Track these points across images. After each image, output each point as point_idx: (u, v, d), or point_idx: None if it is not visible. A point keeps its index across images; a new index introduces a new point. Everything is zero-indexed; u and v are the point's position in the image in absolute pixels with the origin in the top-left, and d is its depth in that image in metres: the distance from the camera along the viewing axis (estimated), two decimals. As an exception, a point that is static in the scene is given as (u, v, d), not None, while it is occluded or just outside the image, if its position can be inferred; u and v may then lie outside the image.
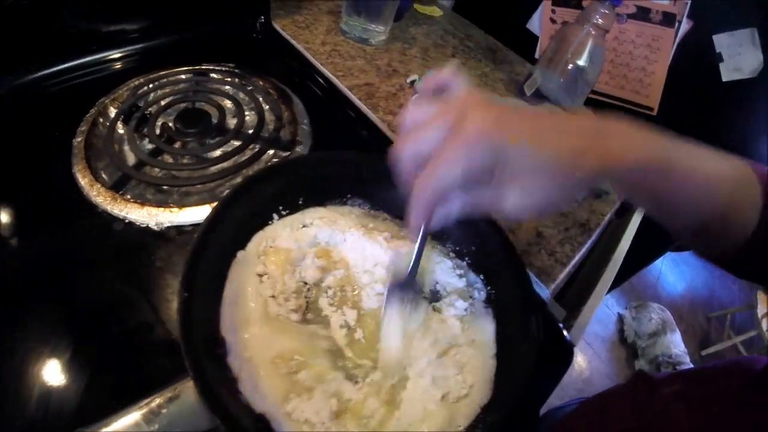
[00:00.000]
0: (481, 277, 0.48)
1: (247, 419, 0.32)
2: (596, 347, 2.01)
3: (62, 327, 0.41)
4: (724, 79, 0.93)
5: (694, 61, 0.95)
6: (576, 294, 0.68)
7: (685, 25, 0.94)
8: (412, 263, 0.40)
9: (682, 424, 0.40)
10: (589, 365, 1.94)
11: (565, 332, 0.55)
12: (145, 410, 0.31)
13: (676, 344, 1.93)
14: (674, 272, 2.54)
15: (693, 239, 0.44)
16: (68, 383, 0.38)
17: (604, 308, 2.19)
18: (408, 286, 0.41)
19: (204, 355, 0.33)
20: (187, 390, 0.31)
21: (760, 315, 2.04)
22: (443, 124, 0.29)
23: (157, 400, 0.31)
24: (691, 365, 1.87)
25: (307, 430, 0.33)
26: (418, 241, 0.38)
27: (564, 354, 0.54)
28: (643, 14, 0.96)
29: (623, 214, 0.81)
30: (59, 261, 0.47)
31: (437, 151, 0.29)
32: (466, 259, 0.49)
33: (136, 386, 0.34)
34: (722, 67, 0.93)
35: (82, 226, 0.50)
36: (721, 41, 0.94)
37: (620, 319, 2.15)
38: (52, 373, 0.38)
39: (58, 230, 0.49)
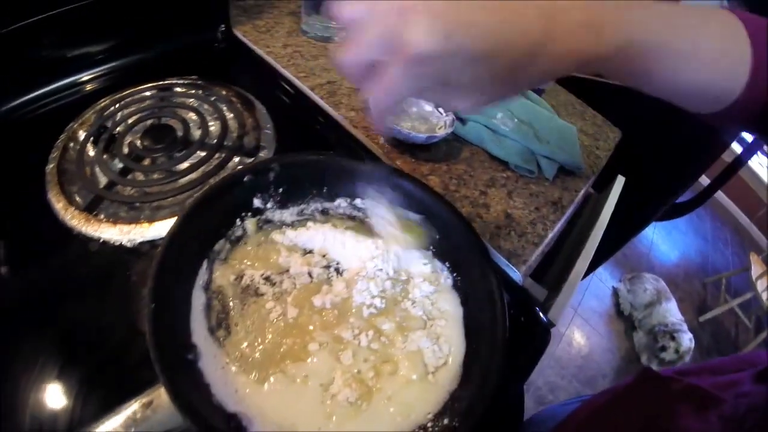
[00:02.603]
0: (447, 264, 0.50)
1: (219, 420, 0.34)
2: (593, 322, 2.03)
3: (46, 347, 0.43)
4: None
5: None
6: (558, 272, 0.69)
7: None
8: None
9: (689, 423, 0.40)
10: (588, 341, 1.96)
11: (540, 314, 0.56)
12: (123, 418, 0.32)
13: (672, 313, 1.95)
14: (666, 241, 2.56)
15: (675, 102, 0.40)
16: (57, 400, 0.39)
17: (598, 282, 2.21)
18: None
19: (175, 361, 0.34)
20: (161, 395, 0.33)
21: (754, 276, 2.07)
22: (384, 30, 0.27)
23: (134, 406, 0.33)
24: (689, 333, 1.89)
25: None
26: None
27: (541, 334, 0.55)
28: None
29: (603, 188, 0.82)
30: (39, 283, 0.48)
31: (382, 68, 0.28)
32: (431, 248, 0.50)
33: (122, 398, 0.34)
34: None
35: (59, 249, 0.51)
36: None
37: (615, 292, 2.17)
38: (42, 391, 0.40)
39: (36, 255, 0.50)
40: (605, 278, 2.23)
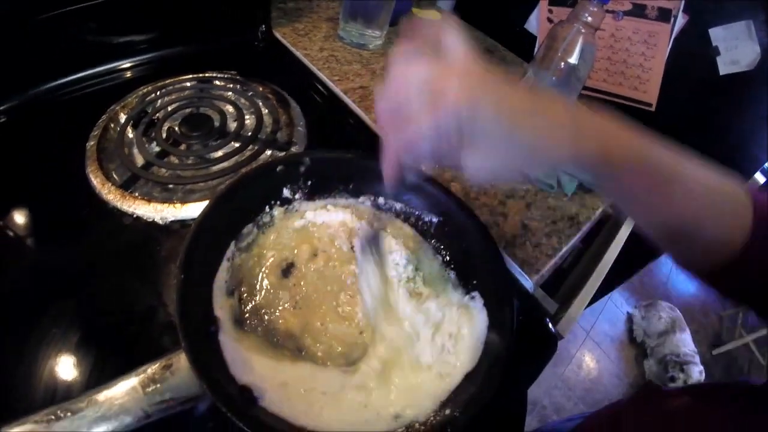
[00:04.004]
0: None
1: (232, 388, 0.36)
2: (605, 347, 2.00)
3: (73, 312, 0.45)
4: (722, 72, 0.93)
5: (691, 56, 0.95)
6: (570, 288, 0.70)
7: (680, 20, 0.95)
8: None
9: None
10: (597, 365, 1.93)
11: (549, 324, 0.57)
12: (141, 376, 0.34)
13: (685, 343, 1.91)
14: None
15: (664, 243, 0.42)
16: (77, 364, 0.42)
17: (613, 307, 2.17)
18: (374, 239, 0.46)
19: (197, 330, 0.37)
20: (180, 360, 0.35)
21: (773, 313, 2.01)
22: (426, 88, 0.30)
23: (152, 368, 0.35)
24: (700, 365, 1.84)
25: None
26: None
27: (547, 343, 0.56)
28: (638, 11, 0.97)
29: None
30: (74, 252, 0.51)
31: (413, 115, 0.30)
32: (448, 257, 0.53)
33: (140, 363, 0.36)
34: (719, 60, 0.94)
35: (95, 221, 0.54)
36: (717, 35, 0.95)
37: (629, 318, 2.14)
38: (62, 354, 0.42)
39: (73, 225, 0.54)
40: (620, 303, 2.20)
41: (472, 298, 0.48)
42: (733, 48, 0.96)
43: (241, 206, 0.47)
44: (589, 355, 1.95)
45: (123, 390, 0.34)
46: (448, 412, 0.39)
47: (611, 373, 1.92)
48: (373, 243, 0.48)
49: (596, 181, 0.34)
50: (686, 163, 0.34)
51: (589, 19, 0.76)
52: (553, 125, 0.30)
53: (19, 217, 0.53)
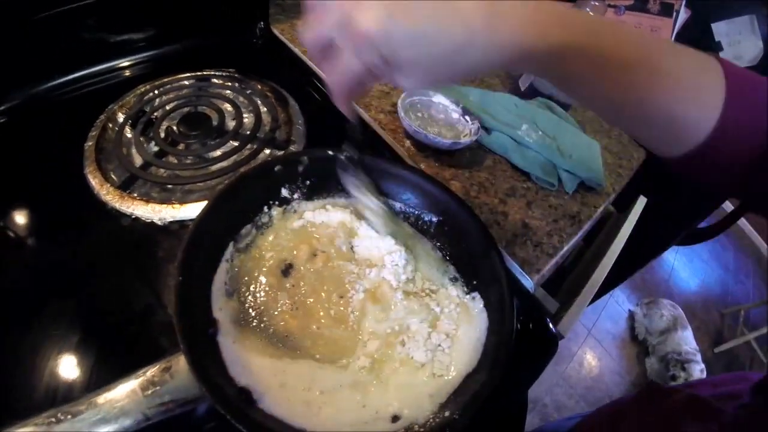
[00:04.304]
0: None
1: (231, 390, 0.36)
2: (606, 344, 2.00)
3: (73, 312, 0.45)
4: (724, 68, 0.93)
5: (694, 51, 0.95)
6: (571, 287, 0.69)
7: (683, 15, 0.94)
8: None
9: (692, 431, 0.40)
10: (599, 363, 1.93)
11: (550, 324, 0.57)
12: (141, 378, 0.34)
13: (687, 341, 1.91)
14: (687, 268, 2.50)
15: (638, 135, 0.40)
16: (77, 364, 0.42)
17: (614, 305, 2.17)
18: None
19: (195, 332, 0.36)
20: (180, 362, 0.35)
21: (774, 311, 2.01)
22: (339, 12, 0.30)
23: (152, 370, 0.35)
24: (701, 363, 1.84)
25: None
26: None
27: (548, 343, 0.56)
28: (641, 5, 0.97)
29: (625, 207, 0.82)
30: (73, 253, 0.51)
31: (337, 51, 0.31)
32: (447, 255, 0.52)
33: (139, 364, 0.37)
34: (722, 55, 0.93)
35: (94, 221, 0.54)
36: (720, 29, 0.94)
37: (631, 316, 2.13)
38: (63, 355, 0.42)
39: (72, 226, 0.53)
40: (622, 301, 2.20)
41: (473, 298, 0.48)
42: (736, 43, 0.95)
43: (240, 207, 0.46)
44: (590, 353, 1.95)
45: (123, 393, 0.34)
46: (447, 413, 0.39)
47: (613, 371, 1.92)
48: (353, 173, 0.49)
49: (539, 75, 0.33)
50: (654, 48, 0.32)
51: (591, 13, 0.76)
52: (467, 27, 0.29)
53: (18, 218, 0.53)
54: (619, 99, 0.34)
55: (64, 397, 0.40)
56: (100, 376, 0.41)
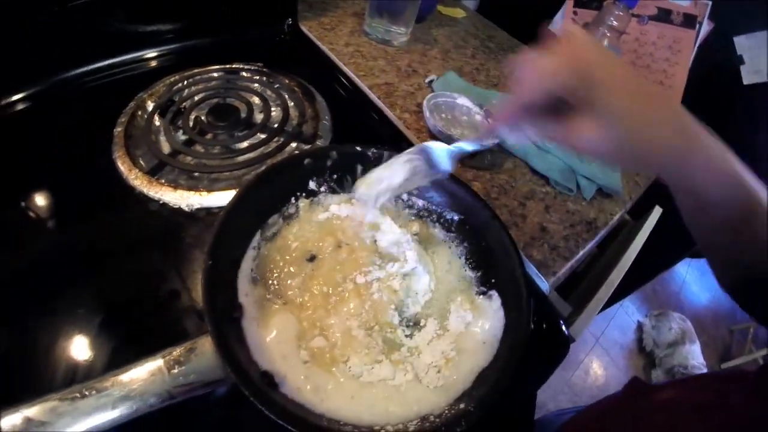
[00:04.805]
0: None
1: (254, 373, 0.37)
2: (613, 354, 1.99)
3: (99, 294, 0.47)
4: (745, 82, 0.93)
5: (715, 64, 0.95)
6: (584, 293, 0.70)
7: (705, 27, 0.94)
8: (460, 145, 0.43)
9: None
10: (605, 372, 1.92)
11: (563, 326, 0.57)
12: (167, 357, 0.35)
13: (694, 355, 1.89)
14: (698, 282, 2.48)
15: (710, 243, 0.44)
16: (99, 345, 0.43)
17: (623, 314, 2.16)
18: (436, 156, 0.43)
19: (222, 315, 0.38)
20: (205, 344, 0.36)
21: (786, 329, 1.98)
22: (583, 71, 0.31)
23: (177, 350, 0.36)
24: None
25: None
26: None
27: (560, 345, 0.56)
28: (664, 16, 0.97)
29: (640, 216, 0.82)
30: (100, 235, 0.52)
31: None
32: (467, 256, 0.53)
33: (160, 347, 0.37)
34: (743, 69, 0.93)
35: (121, 206, 0.55)
36: (742, 43, 0.94)
37: (640, 327, 2.12)
38: (87, 334, 0.43)
39: (100, 210, 0.55)
40: (632, 311, 2.18)
41: (490, 296, 0.49)
42: (758, 57, 0.95)
43: (268, 197, 0.48)
44: (597, 361, 1.94)
45: (148, 370, 0.34)
46: (462, 406, 0.40)
47: (618, 381, 1.90)
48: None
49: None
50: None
51: (615, 23, 0.76)
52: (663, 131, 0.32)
53: (47, 201, 0.55)
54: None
55: (84, 375, 0.40)
56: (121, 358, 0.41)
